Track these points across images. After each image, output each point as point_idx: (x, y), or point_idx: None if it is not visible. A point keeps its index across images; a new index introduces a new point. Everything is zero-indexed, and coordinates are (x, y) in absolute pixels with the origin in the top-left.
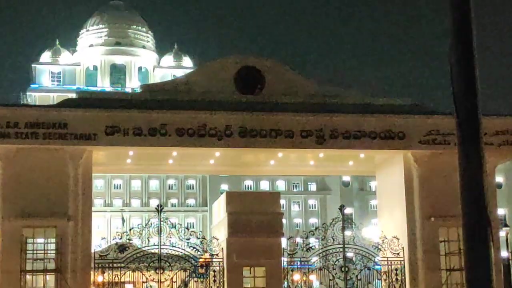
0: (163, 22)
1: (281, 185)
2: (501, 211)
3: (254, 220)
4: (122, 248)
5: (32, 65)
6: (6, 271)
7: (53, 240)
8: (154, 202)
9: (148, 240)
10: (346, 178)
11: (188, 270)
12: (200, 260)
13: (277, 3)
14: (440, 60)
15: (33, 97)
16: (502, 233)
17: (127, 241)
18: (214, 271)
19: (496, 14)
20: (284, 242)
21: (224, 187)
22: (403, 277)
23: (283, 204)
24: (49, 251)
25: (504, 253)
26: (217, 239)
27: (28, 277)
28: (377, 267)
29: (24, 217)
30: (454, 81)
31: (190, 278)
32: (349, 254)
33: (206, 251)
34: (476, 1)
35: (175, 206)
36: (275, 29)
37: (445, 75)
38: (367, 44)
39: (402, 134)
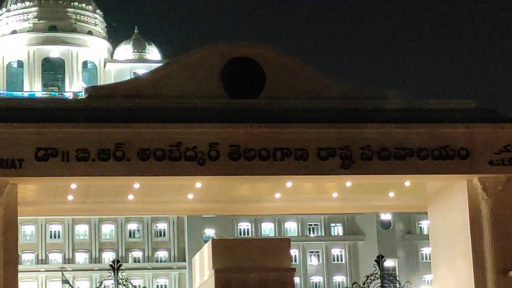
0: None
1: (291, 228)
2: None
3: (254, 279)
4: None
5: None
6: None
7: None
8: (108, 256)
9: None
10: (386, 217)
11: None
12: None
13: None
14: None
15: None
16: None
17: None
18: None
19: None
20: None
21: (209, 233)
22: None
23: (294, 256)
24: None
25: None
26: None
27: None
28: None
29: None
30: None
31: None
32: None
33: None
34: None
35: (138, 261)
36: (279, 13)
37: None
38: (411, 34)
39: (464, 152)
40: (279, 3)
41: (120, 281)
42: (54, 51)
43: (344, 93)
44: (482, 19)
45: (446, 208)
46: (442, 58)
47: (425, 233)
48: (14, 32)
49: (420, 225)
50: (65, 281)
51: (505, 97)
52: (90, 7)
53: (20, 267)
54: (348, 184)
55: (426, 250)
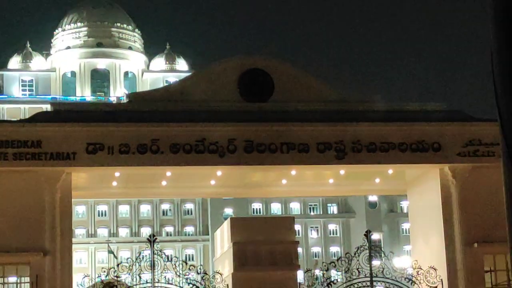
0: (152, 19)
1: (295, 208)
2: None
3: (264, 250)
4: (109, 286)
5: None
6: None
7: (27, 279)
8: (145, 231)
9: (140, 277)
10: (373, 199)
11: None
12: None
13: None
14: (479, 59)
15: (0, 110)
16: None
17: (115, 278)
18: None
19: None
20: (300, 275)
21: (228, 211)
22: None
23: (298, 231)
24: None
25: None
26: (221, 274)
27: None
28: None
29: None
30: (497, 81)
31: None
32: None
33: None
34: None
35: (170, 235)
36: (284, 28)
37: (486, 75)
38: (391, 45)
39: (437, 145)
40: (287, 22)
41: (155, 251)
42: (101, 63)
43: (338, 97)
44: (455, 29)
45: (422, 191)
46: (418, 66)
47: (405, 211)
48: (68, 47)
49: (401, 205)
50: (110, 252)
51: (471, 100)
52: (130, 27)
53: (74, 240)
54: (342, 172)
55: (406, 226)
